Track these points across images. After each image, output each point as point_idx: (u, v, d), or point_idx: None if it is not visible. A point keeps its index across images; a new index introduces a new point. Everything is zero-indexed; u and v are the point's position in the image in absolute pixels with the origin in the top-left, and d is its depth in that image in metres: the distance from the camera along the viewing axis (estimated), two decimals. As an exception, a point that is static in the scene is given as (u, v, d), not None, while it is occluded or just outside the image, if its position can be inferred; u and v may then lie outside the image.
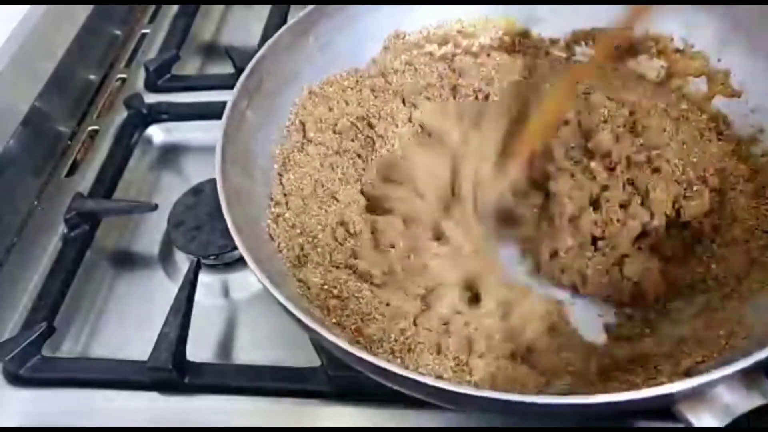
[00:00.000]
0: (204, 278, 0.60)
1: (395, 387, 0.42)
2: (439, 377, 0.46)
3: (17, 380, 0.56)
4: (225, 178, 0.50)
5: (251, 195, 0.54)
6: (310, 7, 0.61)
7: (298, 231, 0.55)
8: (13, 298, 0.62)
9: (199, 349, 0.56)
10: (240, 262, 0.62)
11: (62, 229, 0.66)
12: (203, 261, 0.60)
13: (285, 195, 0.57)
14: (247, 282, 0.62)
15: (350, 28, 0.63)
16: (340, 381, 0.52)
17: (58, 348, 0.59)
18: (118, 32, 0.86)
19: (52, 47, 0.77)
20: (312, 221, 0.56)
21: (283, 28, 0.60)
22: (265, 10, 0.81)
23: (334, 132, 0.62)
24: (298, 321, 0.42)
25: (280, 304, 0.43)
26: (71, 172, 0.72)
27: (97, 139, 0.75)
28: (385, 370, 0.40)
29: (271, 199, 0.57)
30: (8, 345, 0.56)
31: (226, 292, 0.62)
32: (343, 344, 0.41)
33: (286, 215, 0.56)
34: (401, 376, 0.39)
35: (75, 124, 0.77)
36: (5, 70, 0.71)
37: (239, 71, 0.73)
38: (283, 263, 0.53)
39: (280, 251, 0.53)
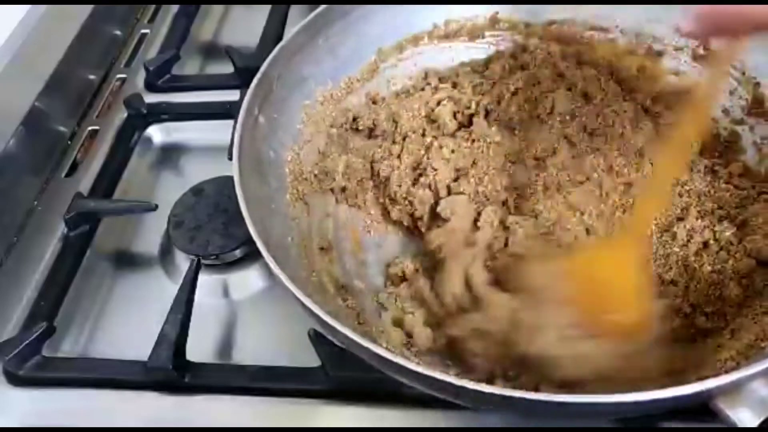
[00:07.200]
0: (204, 278, 0.60)
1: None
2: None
3: (17, 380, 0.56)
4: (244, 188, 0.48)
5: (269, 202, 0.54)
6: (320, 7, 0.60)
7: (318, 236, 0.56)
8: (13, 298, 0.62)
9: (199, 349, 0.56)
10: (240, 262, 0.62)
11: (62, 229, 0.66)
12: (203, 261, 0.60)
13: (300, 200, 0.57)
14: (247, 282, 0.62)
15: (357, 30, 0.63)
16: (340, 381, 0.52)
17: (58, 348, 0.59)
18: (118, 32, 0.86)
19: (52, 47, 0.77)
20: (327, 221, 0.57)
21: (293, 30, 0.59)
22: (265, 10, 0.81)
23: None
24: (334, 330, 0.42)
25: (315, 315, 0.42)
26: (71, 172, 0.72)
27: (97, 139, 0.75)
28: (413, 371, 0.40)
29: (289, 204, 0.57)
30: (8, 345, 0.57)
31: (226, 292, 0.62)
32: (376, 349, 0.40)
33: (305, 218, 0.56)
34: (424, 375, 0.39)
35: (75, 124, 0.77)
36: (5, 70, 0.71)
37: (239, 71, 0.74)
38: (303, 267, 0.53)
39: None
